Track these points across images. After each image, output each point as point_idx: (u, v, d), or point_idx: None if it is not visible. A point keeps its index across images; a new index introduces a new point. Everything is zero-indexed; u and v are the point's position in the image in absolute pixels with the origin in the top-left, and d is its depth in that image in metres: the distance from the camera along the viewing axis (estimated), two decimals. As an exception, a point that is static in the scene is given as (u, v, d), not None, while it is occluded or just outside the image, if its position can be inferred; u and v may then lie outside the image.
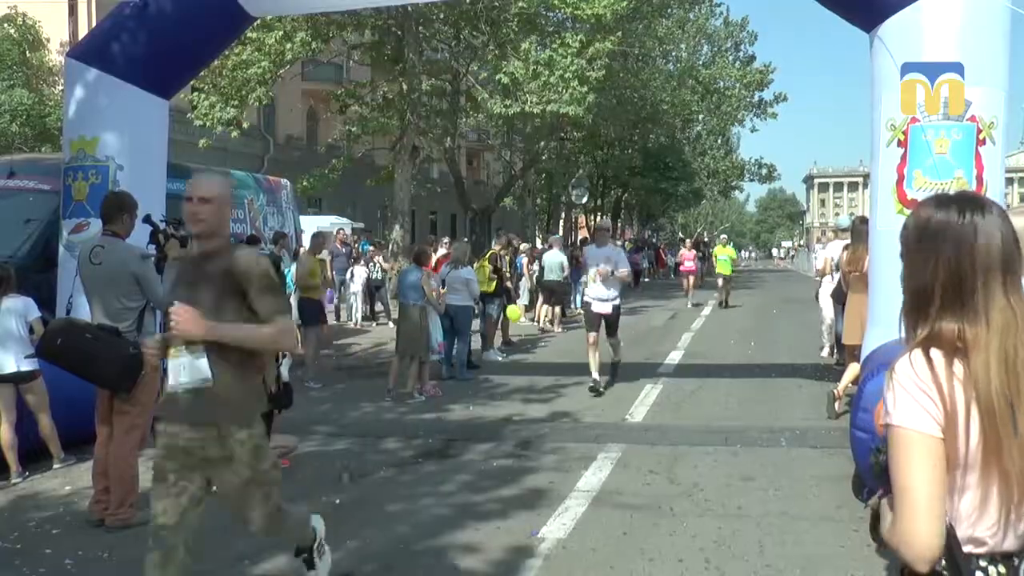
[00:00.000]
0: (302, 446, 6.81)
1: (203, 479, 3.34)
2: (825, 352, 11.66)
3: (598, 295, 9.36)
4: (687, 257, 23.81)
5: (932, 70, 6.00)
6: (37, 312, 6.23)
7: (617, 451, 6.82)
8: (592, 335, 9.46)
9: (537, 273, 17.07)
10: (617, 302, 9.47)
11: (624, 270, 9.50)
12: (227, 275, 3.26)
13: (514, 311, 12.50)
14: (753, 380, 10.18)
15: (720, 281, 21.65)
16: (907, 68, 6.06)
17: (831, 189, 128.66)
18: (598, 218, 40.52)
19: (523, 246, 18.85)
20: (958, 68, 5.95)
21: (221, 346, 3.21)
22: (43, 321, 6.06)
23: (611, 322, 9.49)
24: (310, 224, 17.91)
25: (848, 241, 9.05)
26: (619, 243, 32.27)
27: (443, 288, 10.49)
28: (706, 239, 53.24)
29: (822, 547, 4.68)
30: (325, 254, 13.42)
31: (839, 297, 9.57)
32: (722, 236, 26.50)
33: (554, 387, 9.70)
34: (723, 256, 21.70)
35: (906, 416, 1.50)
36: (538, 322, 16.26)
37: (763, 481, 5.97)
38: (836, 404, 7.81)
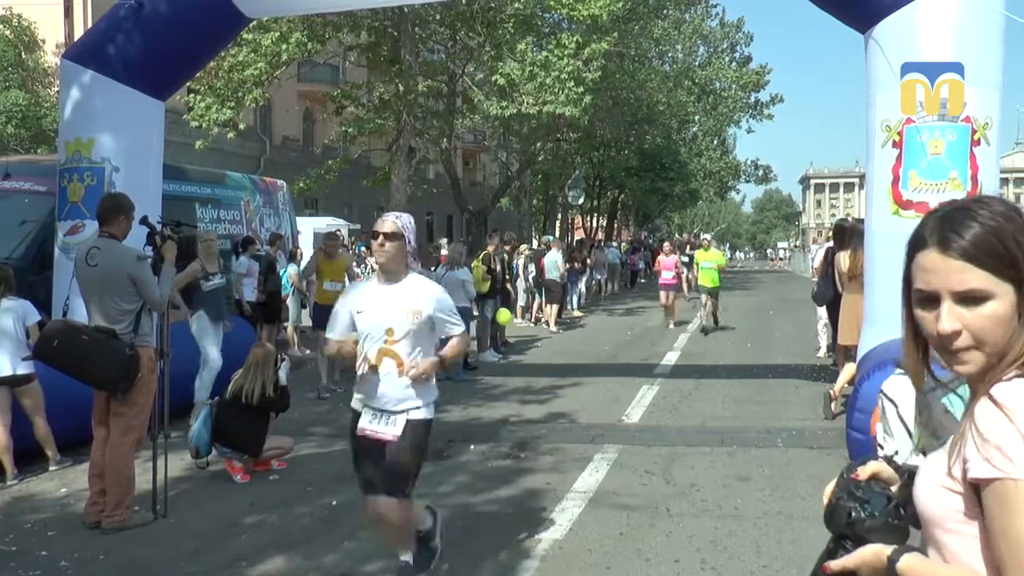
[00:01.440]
0: (299, 447, 6.81)
1: None
2: (822, 353, 11.69)
3: (381, 401, 3.93)
4: (666, 265, 16.90)
5: (932, 70, 6.03)
6: (37, 317, 6.22)
7: (614, 452, 6.82)
8: (371, 500, 3.97)
9: (535, 273, 17.16)
10: (422, 414, 3.98)
11: (456, 343, 4.14)
12: None
13: (505, 314, 12.48)
14: (750, 381, 10.19)
15: (703, 298, 15.68)
16: (907, 68, 6.08)
17: (827, 190, 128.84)
18: (595, 219, 40.56)
19: (522, 247, 18.88)
20: (958, 68, 5.97)
21: None
22: (40, 325, 6.05)
23: (394, 468, 3.90)
24: (306, 225, 17.94)
25: (831, 244, 9.05)
26: (614, 244, 32.70)
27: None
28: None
29: (819, 547, 4.64)
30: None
31: (819, 299, 9.58)
32: (705, 237, 16.84)
33: (551, 388, 9.70)
34: (707, 263, 15.50)
35: None
36: (548, 322, 16.30)
37: (760, 481, 5.98)
38: (832, 405, 7.82)
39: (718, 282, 15.66)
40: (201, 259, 8.03)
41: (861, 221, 7.70)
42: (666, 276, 16.83)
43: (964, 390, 2.94)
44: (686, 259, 21.84)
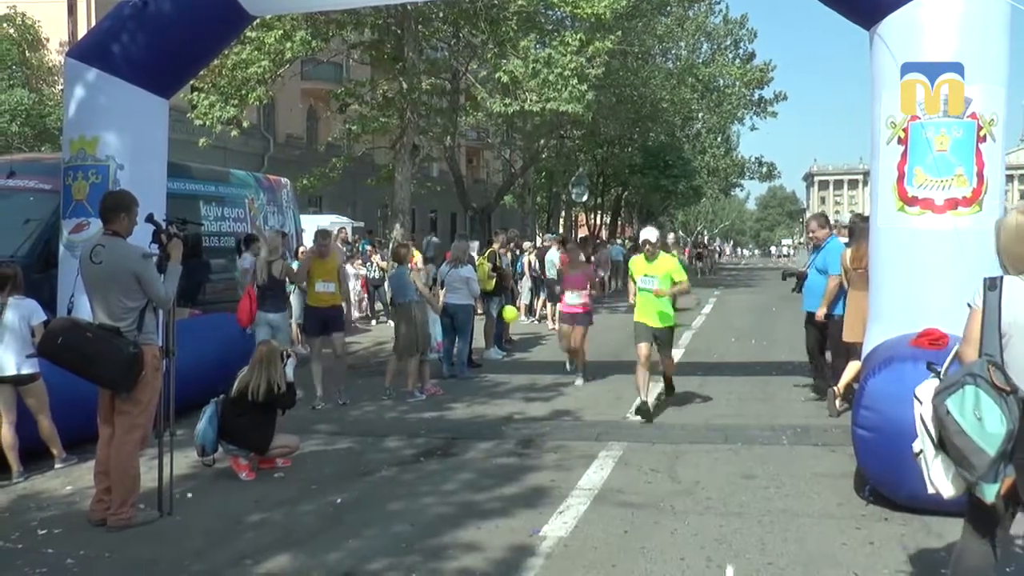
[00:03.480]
0: (304, 445, 6.82)
1: None
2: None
3: None
4: (573, 282, 10.10)
5: (932, 70, 6.00)
6: (43, 316, 6.21)
7: (618, 449, 6.82)
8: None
9: (538, 270, 17.16)
10: None
11: None
12: None
13: (511, 311, 12.46)
14: (754, 378, 10.18)
15: (640, 347, 7.96)
16: (907, 68, 6.05)
17: (831, 187, 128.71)
18: (598, 217, 40.46)
19: (526, 244, 18.86)
20: (958, 68, 5.94)
21: None
22: (46, 325, 6.06)
23: None
24: (310, 223, 17.94)
25: (845, 240, 9.02)
26: (618, 241, 32.64)
27: (442, 288, 10.48)
28: (705, 241, 51.42)
29: (824, 544, 4.69)
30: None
31: None
32: (647, 238, 8.03)
33: (555, 385, 9.70)
34: (647, 282, 8.00)
35: None
36: (550, 319, 16.26)
37: (764, 479, 5.97)
38: (837, 402, 7.81)
39: (672, 318, 8.31)
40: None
41: (865, 219, 7.68)
42: (571, 300, 10.05)
43: (973, 392, 2.92)
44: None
